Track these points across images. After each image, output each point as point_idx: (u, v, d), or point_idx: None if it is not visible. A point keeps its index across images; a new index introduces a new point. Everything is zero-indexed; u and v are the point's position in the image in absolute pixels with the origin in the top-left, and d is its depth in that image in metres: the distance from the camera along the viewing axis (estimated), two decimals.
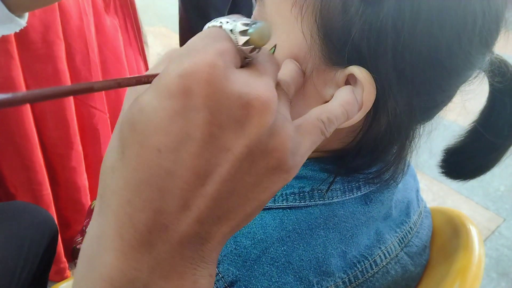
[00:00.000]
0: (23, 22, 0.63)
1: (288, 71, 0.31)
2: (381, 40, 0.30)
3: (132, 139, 0.20)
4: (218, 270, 0.35)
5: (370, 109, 0.32)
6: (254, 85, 0.21)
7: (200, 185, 0.21)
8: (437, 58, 0.31)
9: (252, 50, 0.23)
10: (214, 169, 0.21)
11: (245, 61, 0.23)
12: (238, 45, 0.22)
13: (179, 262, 0.22)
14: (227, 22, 0.23)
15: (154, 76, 0.22)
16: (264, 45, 0.23)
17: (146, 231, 0.21)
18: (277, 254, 0.36)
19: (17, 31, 0.74)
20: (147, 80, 0.22)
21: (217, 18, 0.24)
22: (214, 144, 0.20)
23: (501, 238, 1.65)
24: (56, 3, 0.93)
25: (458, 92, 0.37)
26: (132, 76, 0.21)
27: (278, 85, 0.26)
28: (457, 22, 0.30)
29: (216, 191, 0.21)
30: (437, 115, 0.39)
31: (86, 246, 0.23)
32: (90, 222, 0.24)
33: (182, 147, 0.20)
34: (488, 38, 0.32)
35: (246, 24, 0.22)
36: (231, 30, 0.22)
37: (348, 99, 0.30)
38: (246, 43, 0.22)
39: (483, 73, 0.37)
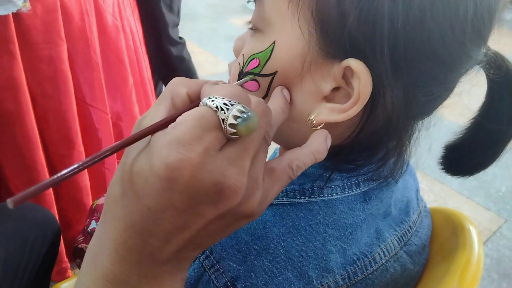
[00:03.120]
0: (19, 2, 0.63)
1: (272, 111, 0.32)
2: (377, 29, 0.30)
3: (131, 192, 0.26)
4: (219, 265, 0.36)
5: (368, 102, 0.33)
6: (228, 174, 0.26)
7: (179, 232, 0.27)
8: (431, 48, 0.31)
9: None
10: (190, 225, 0.27)
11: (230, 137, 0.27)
12: (226, 134, 0.26)
13: (160, 274, 0.28)
14: (223, 107, 0.26)
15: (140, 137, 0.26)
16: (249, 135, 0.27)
17: (137, 252, 0.27)
18: (277, 250, 0.37)
19: (14, 11, 0.74)
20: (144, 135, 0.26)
21: (217, 98, 0.27)
22: (190, 212, 0.26)
23: (502, 239, 1.65)
24: (59, 4, 0.94)
25: (458, 92, 0.37)
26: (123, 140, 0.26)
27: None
28: (449, 10, 0.30)
29: (191, 236, 0.27)
30: (436, 112, 0.39)
31: (92, 246, 0.29)
32: (98, 224, 0.29)
33: (166, 210, 0.26)
34: (481, 28, 0.32)
35: (241, 112, 0.26)
36: (223, 120, 0.26)
37: (320, 148, 0.33)
38: (234, 133, 0.26)
39: (480, 68, 0.37)
